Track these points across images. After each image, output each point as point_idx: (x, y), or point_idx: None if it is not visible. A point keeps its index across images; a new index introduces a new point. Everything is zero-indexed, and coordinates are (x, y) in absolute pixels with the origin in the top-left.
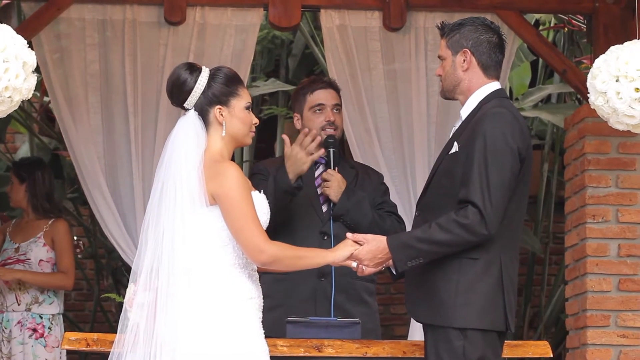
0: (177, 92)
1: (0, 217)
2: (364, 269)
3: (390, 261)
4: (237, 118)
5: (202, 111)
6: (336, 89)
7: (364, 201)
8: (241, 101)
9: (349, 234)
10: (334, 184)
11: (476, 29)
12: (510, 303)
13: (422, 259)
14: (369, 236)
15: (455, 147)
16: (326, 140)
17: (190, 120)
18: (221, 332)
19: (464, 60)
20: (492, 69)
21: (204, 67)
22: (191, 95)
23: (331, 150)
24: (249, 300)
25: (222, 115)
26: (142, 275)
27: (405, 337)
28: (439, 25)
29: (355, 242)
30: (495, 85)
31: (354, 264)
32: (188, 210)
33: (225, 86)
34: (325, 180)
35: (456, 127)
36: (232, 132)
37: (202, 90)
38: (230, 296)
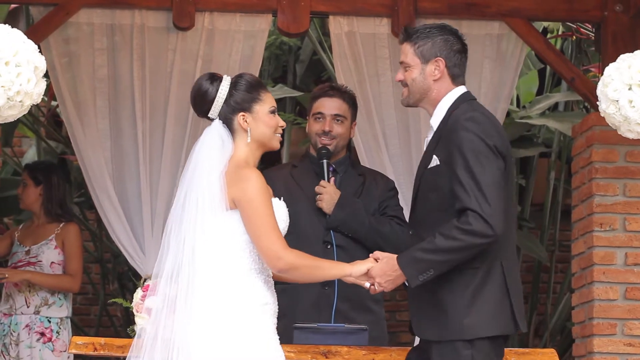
0: (200, 103)
1: None
2: (375, 288)
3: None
4: (262, 122)
5: (227, 120)
6: (345, 99)
7: (360, 210)
8: (264, 106)
9: (373, 253)
10: (326, 197)
11: (447, 38)
12: (517, 304)
13: (433, 270)
14: (384, 254)
15: (435, 161)
16: (319, 151)
17: (214, 130)
18: (236, 337)
19: (436, 70)
20: (460, 77)
21: (225, 76)
22: (214, 105)
23: (324, 161)
24: (264, 305)
25: (246, 121)
26: (162, 280)
27: (411, 344)
28: (405, 29)
29: (375, 259)
30: (461, 89)
31: (367, 284)
32: (209, 216)
33: (247, 93)
34: (317, 194)
35: (429, 138)
36: (257, 137)
37: (224, 99)
38: (245, 301)
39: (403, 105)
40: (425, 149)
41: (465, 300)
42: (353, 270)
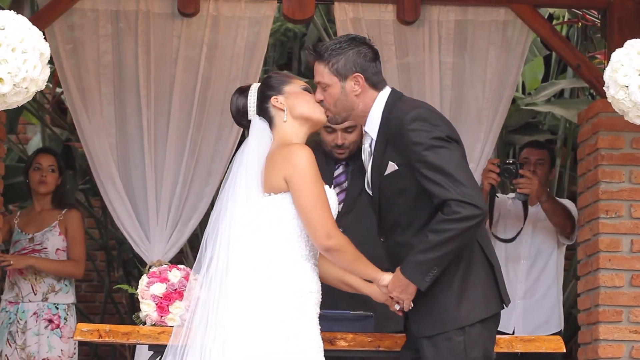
0: (243, 115)
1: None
2: (397, 307)
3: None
4: (296, 99)
5: (262, 111)
6: None
7: None
8: (294, 86)
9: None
10: None
11: (360, 51)
12: (500, 279)
13: (437, 267)
14: (397, 269)
15: (392, 166)
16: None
17: (254, 128)
18: (276, 324)
19: (356, 85)
20: (381, 84)
21: (253, 84)
22: (249, 107)
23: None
24: (309, 294)
25: (280, 102)
26: (204, 270)
27: None
28: (314, 48)
29: None
30: (386, 92)
31: (397, 307)
32: (248, 202)
33: (275, 80)
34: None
35: (369, 144)
36: (297, 113)
37: (255, 98)
38: (290, 288)
39: (331, 125)
40: (365, 156)
41: (456, 289)
42: (383, 277)
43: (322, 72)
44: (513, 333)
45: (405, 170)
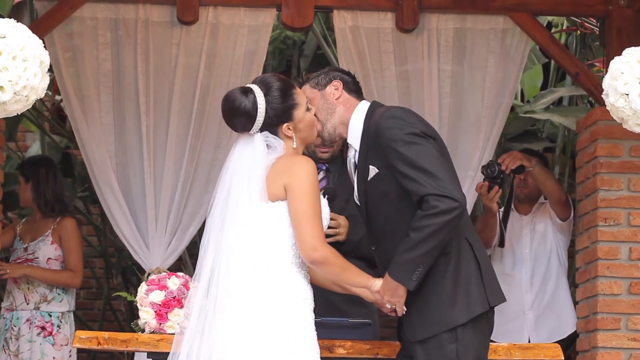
0: (239, 118)
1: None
2: (388, 307)
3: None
4: (303, 124)
5: (270, 131)
6: None
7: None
8: (301, 108)
9: None
10: (343, 230)
11: (338, 71)
12: (488, 279)
13: (422, 265)
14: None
15: (373, 170)
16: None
17: (258, 141)
18: (276, 331)
19: (336, 89)
20: (360, 94)
21: (254, 87)
22: (256, 123)
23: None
24: (305, 300)
25: (290, 129)
26: (203, 278)
27: None
28: (304, 79)
29: None
30: (367, 103)
31: (389, 306)
32: (249, 209)
33: (283, 102)
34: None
35: (351, 156)
36: (302, 139)
37: (264, 114)
38: (287, 295)
39: (325, 144)
40: (350, 167)
41: (447, 290)
42: (375, 285)
43: (306, 90)
44: None
45: (385, 172)
